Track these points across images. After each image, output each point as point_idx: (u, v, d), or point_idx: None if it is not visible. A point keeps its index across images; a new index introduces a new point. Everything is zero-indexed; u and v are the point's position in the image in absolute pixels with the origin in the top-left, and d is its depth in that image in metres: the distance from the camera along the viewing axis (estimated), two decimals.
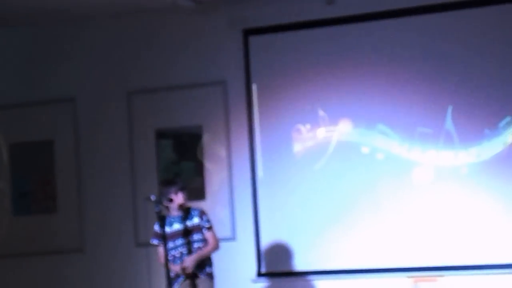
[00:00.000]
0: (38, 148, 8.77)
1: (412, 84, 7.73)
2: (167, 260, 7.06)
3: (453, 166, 7.63)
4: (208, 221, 7.23)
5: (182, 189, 7.23)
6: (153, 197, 7.22)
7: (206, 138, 8.35)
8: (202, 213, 7.25)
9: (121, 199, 8.52)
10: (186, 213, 7.25)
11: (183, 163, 8.42)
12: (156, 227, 7.18)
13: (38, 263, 8.68)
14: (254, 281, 8.11)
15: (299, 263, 8.00)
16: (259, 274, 8.12)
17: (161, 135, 8.47)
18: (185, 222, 7.22)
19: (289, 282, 8.01)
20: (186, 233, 7.20)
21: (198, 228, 7.22)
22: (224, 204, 8.24)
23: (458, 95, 7.63)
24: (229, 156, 8.28)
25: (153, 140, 8.48)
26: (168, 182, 7.37)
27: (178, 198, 7.21)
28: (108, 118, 8.62)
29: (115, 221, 8.53)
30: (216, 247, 7.23)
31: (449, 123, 7.65)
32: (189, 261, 7.08)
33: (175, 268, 7.10)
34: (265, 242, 8.11)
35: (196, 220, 7.23)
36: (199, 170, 8.34)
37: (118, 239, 8.50)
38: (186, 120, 8.39)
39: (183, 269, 7.06)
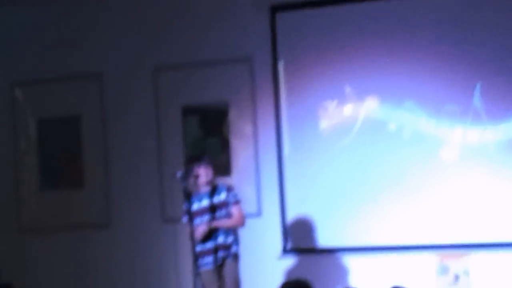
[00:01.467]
0: (65, 124, 8.81)
1: (440, 60, 7.67)
2: (193, 237, 7.11)
3: (481, 144, 7.57)
4: (235, 196, 7.27)
5: (209, 165, 7.27)
6: (179, 174, 7.26)
7: (232, 115, 8.34)
8: (229, 189, 7.29)
9: (147, 175, 8.55)
10: (213, 189, 7.29)
11: (209, 139, 8.43)
12: (185, 206, 7.23)
13: (64, 238, 8.74)
14: (280, 258, 8.12)
15: (325, 240, 8.00)
16: (285, 251, 8.13)
17: (187, 111, 8.48)
18: (212, 198, 7.26)
19: (314, 258, 8.02)
20: (212, 209, 7.23)
21: (225, 204, 7.26)
22: (250, 180, 8.24)
23: (486, 71, 7.55)
24: (255, 132, 8.27)
25: (179, 116, 8.48)
26: (195, 158, 7.42)
27: (206, 174, 7.25)
28: (135, 93, 8.64)
29: (142, 196, 8.56)
30: (240, 223, 7.26)
31: (477, 100, 7.59)
32: (202, 227, 7.10)
33: (198, 232, 7.12)
34: (291, 219, 8.12)
35: (223, 196, 7.26)
36: (224, 146, 8.35)
37: (145, 215, 8.54)
38: (212, 97, 8.38)
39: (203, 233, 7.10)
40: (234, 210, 7.25)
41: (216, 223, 7.18)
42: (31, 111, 8.93)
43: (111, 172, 8.67)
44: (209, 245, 7.22)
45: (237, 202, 7.28)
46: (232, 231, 7.30)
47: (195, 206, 7.27)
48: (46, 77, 8.84)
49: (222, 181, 7.60)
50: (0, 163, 8.97)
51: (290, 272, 8.04)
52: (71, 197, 8.75)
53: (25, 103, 8.94)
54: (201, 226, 7.16)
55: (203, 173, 7.26)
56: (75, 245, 8.71)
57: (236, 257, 7.31)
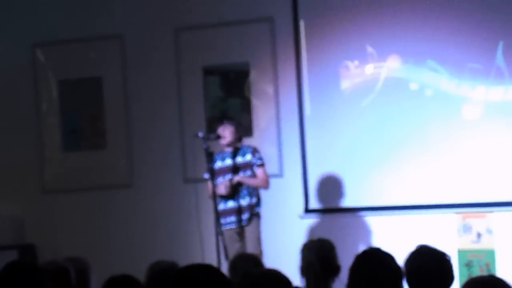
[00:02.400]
0: (86, 85, 8.82)
1: (462, 19, 7.62)
2: (215, 195, 7.14)
3: (503, 102, 7.54)
4: (260, 158, 7.30)
5: (231, 125, 7.28)
6: (200, 134, 7.30)
7: (253, 75, 8.33)
8: (254, 150, 7.32)
9: (168, 135, 8.57)
10: (238, 149, 7.30)
11: (230, 100, 8.43)
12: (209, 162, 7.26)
13: (87, 198, 8.79)
14: (302, 217, 8.14)
15: (347, 199, 8.01)
16: (307, 210, 8.15)
17: (208, 72, 8.47)
18: (236, 158, 7.28)
19: (336, 218, 8.04)
20: (235, 169, 7.26)
21: (249, 165, 7.28)
22: (272, 141, 8.24)
23: (509, 29, 7.50)
24: (276, 93, 8.26)
25: (200, 77, 8.48)
26: (218, 118, 7.45)
27: (227, 135, 7.27)
28: (156, 54, 8.63)
29: (163, 157, 8.59)
30: (264, 184, 7.30)
31: (499, 59, 7.54)
32: (236, 178, 7.13)
33: (221, 187, 7.15)
34: (312, 179, 8.12)
35: (248, 157, 7.29)
36: (246, 107, 8.34)
37: (166, 174, 8.56)
38: (233, 57, 8.37)
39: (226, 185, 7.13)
40: (259, 171, 7.29)
41: (239, 178, 7.21)
42: (53, 72, 8.94)
43: (132, 132, 8.70)
44: (232, 204, 7.26)
45: (262, 164, 7.31)
46: (256, 192, 7.33)
47: (218, 164, 7.30)
48: (67, 38, 8.84)
49: (247, 143, 7.61)
50: (23, 124, 8.99)
51: (312, 232, 8.07)
52: (93, 157, 8.78)
53: (47, 64, 8.94)
54: (224, 181, 7.19)
55: (223, 133, 7.28)
56: (98, 206, 8.76)
57: (258, 217, 7.34)
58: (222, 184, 7.19)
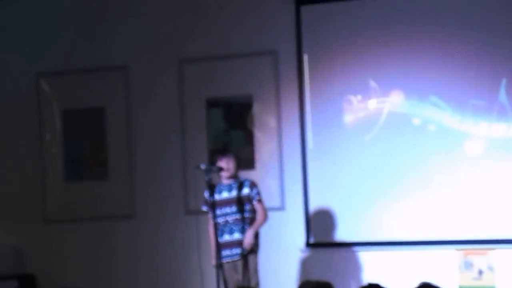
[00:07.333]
0: (90, 115, 8.85)
1: (465, 56, 7.64)
2: (216, 228, 7.13)
3: (506, 138, 7.55)
4: (258, 193, 7.29)
5: (232, 158, 7.29)
6: (203, 166, 7.29)
7: (256, 108, 8.35)
8: (252, 185, 7.30)
9: (171, 167, 8.58)
10: (236, 183, 7.30)
11: (233, 132, 8.44)
12: (206, 194, 7.26)
13: (88, 228, 8.78)
14: (303, 251, 8.12)
15: (348, 234, 7.99)
16: (308, 245, 8.12)
17: (211, 104, 8.49)
18: (233, 191, 7.28)
19: (337, 252, 8.01)
20: (238, 202, 7.25)
21: (248, 199, 7.28)
22: (274, 174, 8.24)
23: None
24: (279, 126, 8.27)
25: (203, 108, 8.50)
26: (219, 151, 7.45)
27: (228, 168, 7.27)
28: (160, 86, 8.66)
29: (165, 188, 8.58)
30: (265, 218, 7.30)
31: (502, 96, 7.55)
32: (249, 237, 7.13)
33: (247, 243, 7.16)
34: (314, 213, 8.11)
35: (246, 191, 7.28)
36: (249, 140, 8.35)
37: (168, 206, 8.56)
38: (236, 89, 8.39)
39: (244, 247, 7.14)
40: (258, 207, 7.28)
41: (255, 227, 7.20)
42: (56, 102, 8.97)
43: (135, 163, 8.70)
44: (229, 238, 7.24)
45: (260, 200, 7.30)
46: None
47: (216, 197, 7.30)
48: (72, 69, 8.88)
49: (244, 174, 7.60)
50: (26, 153, 9.01)
51: (313, 266, 8.04)
52: (95, 188, 8.79)
53: (51, 94, 8.98)
54: (248, 238, 7.15)
55: (228, 166, 7.28)
56: (99, 236, 8.75)
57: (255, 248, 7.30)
58: (247, 242, 7.18)
